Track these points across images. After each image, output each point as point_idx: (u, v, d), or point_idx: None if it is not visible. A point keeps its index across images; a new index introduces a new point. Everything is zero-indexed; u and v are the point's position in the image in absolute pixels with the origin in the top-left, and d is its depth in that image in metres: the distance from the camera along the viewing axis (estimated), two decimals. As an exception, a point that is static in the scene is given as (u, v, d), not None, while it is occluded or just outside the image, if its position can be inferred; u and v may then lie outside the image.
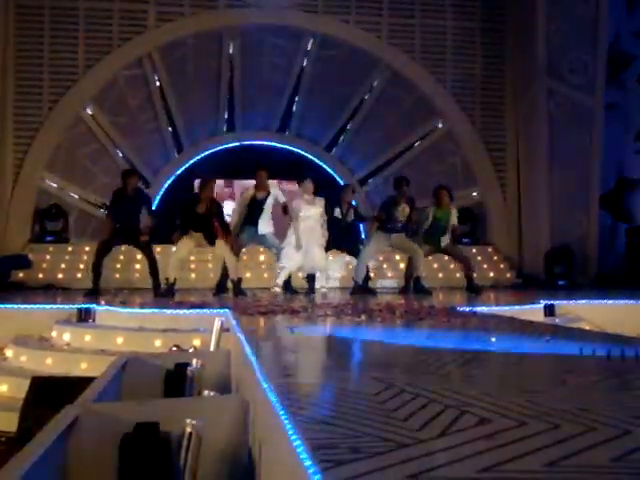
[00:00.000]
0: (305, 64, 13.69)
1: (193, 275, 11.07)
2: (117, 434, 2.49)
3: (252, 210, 9.26)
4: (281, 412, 1.89)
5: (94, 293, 8.68)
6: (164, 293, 8.65)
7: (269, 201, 9.25)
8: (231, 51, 13.46)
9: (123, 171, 9.70)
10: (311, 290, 9.27)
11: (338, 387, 2.26)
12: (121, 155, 13.26)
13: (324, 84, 13.79)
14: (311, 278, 9.39)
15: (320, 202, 9.27)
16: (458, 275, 10.94)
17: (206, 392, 3.15)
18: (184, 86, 13.63)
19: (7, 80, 12.08)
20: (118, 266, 11.14)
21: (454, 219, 9.78)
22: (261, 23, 12.83)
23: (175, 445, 2.43)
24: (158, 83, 13.31)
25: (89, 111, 12.83)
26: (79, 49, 12.57)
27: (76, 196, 12.99)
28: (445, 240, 9.75)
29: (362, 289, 9.35)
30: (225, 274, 9.05)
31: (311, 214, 9.12)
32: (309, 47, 13.52)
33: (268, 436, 2.21)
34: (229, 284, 9.05)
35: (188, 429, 2.40)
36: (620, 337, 4.10)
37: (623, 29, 12.53)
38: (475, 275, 10.15)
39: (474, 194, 13.48)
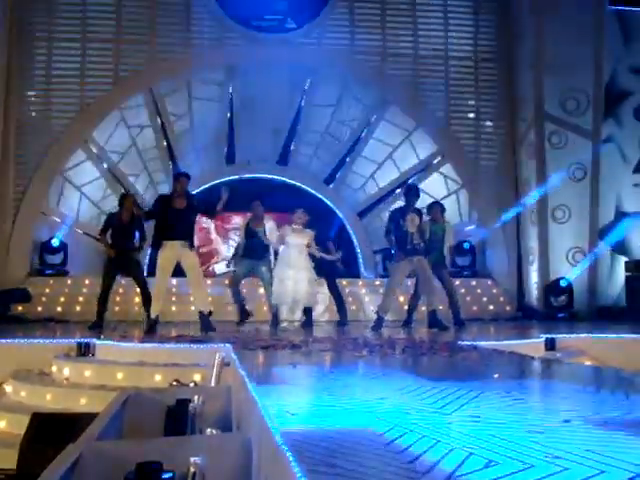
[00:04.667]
0: (304, 98, 13.81)
1: (193, 308, 10.99)
2: (120, 473, 2.47)
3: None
4: (287, 453, 1.88)
5: (97, 326, 8.66)
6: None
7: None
8: (231, 87, 13.59)
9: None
10: (308, 323, 9.26)
11: (342, 427, 2.25)
12: (122, 189, 13.28)
13: (323, 118, 13.90)
14: (308, 310, 9.37)
15: (309, 235, 9.21)
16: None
17: (209, 430, 3.13)
18: (185, 120, 13.73)
19: (9, 113, 12.15)
20: (118, 299, 11.11)
21: (449, 234, 9.53)
22: (260, 59, 12.97)
23: (179, 485, 2.40)
24: (159, 118, 13.41)
25: (91, 145, 12.91)
26: (81, 83, 12.69)
27: (79, 230, 12.99)
28: (443, 259, 9.48)
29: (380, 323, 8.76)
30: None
31: (296, 243, 9.08)
32: (307, 82, 13.66)
33: (273, 476, 2.19)
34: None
35: (192, 468, 2.37)
36: (623, 373, 4.09)
37: (619, 65, 12.68)
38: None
39: (473, 227, 13.50)
